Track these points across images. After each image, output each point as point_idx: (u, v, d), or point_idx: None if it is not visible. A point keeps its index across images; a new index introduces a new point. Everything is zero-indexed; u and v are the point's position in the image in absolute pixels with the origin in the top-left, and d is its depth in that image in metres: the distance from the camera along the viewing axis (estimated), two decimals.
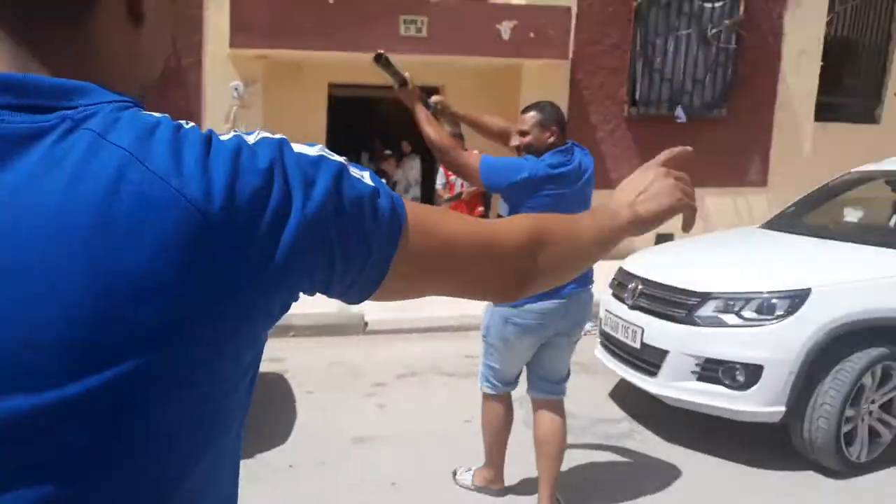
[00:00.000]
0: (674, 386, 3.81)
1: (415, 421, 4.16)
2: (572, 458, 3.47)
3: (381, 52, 3.01)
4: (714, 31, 8.70)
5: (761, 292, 3.68)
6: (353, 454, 3.73)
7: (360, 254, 0.70)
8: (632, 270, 4.40)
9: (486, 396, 3.21)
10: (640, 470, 3.66)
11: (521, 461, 3.32)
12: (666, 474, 3.57)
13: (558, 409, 3.12)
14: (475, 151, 3.42)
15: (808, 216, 5.04)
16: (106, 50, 0.68)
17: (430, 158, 6.94)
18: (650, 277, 4.17)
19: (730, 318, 3.69)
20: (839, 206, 5.09)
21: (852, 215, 4.97)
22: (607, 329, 4.39)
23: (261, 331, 0.68)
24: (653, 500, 3.34)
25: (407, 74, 3.02)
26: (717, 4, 8.71)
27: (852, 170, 5.16)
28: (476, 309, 3.15)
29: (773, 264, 4.08)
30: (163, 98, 7.38)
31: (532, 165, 2.95)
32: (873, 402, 3.62)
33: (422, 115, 3.03)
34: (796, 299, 3.58)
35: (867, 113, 10.12)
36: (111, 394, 0.58)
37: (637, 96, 8.70)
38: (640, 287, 4.17)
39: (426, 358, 5.24)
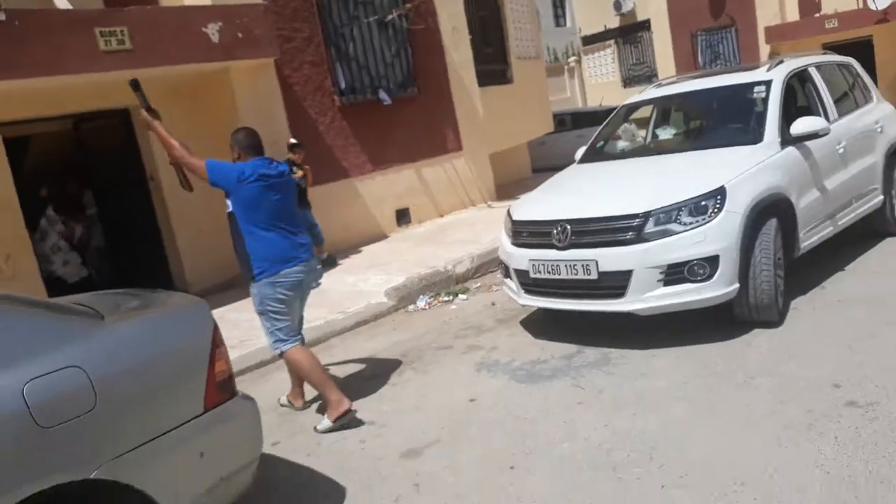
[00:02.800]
0: (644, 298, 4.23)
1: None
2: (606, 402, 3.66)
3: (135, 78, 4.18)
4: (389, 17, 9.22)
5: (689, 199, 4.28)
6: None
7: None
8: (544, 217, 4.67)
9: (290, 352, 4.07)
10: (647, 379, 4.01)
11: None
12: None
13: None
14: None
15: (611, 145, 5.91)
16: None
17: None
18: (577, 216, 4.48)
19: (675, 227, 4.23)
20: (628, 133, 6.06)
21: (663, 133, 6.01)
22: (540, 275, 4.59)
23: None
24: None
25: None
26: None
27: (624, 103, 6.20)
28: None
29: (664, 179, 4.72)
30: None
31: (244, 167, 4.00)
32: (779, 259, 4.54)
33: (162, 130, 4.14)
34: (718, 196, 4.28)
35: (501, 74, 11.84)
36: None
37: (343, 86, 8.79)
38: (569, 228, 4.46)
39: None
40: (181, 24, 6.87)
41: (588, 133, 13.61)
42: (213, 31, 7.06)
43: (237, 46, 7.23)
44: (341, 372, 4.96)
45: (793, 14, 17.65)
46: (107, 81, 6.72)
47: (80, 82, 6.48)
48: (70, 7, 6.55)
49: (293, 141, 7.86)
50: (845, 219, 5.41)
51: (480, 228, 8.47)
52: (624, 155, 5.84)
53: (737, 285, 4.24)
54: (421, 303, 6.35)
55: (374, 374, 4.81)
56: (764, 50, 17.78)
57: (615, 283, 4.29)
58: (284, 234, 4.05)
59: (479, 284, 6.72)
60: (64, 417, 2.35)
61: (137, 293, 3.31)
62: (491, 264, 6.99)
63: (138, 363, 2.62)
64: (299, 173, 7.47)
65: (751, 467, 2.94)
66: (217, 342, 2.85)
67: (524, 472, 3.23)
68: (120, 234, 8.36)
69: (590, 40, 24.98)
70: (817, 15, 16.82)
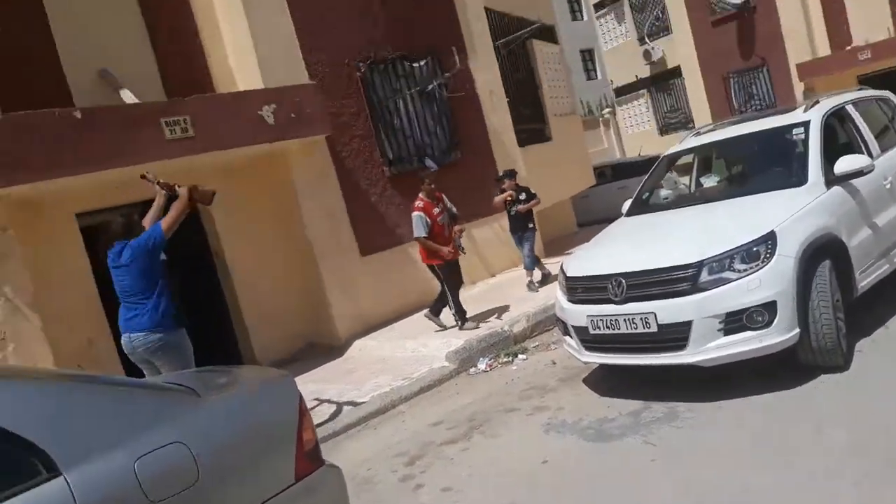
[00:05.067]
0: (706, 348, 4.28)
1: None
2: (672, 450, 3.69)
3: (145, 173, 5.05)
4: (429, 87, 9.60)
5: (740, 246, 4.37)
6: None
7: None
8: (599, 272, 4.78)
9: None
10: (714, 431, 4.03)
11: None
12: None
13: None
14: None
15: (656, 196, 6.04)
16: None
17: None
18: (631, 270, 4.59)
19: (729, 275, 4.30)
20: (671, 183, 6.19)
21: (707, 180, 6.13)
22: (600, 331, 4.68)
23: None
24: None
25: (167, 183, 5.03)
26: (422, 64, 9.63)
27: (665, 154, 6.36)
28: None
29: (713, 227, 4.81)
30: None
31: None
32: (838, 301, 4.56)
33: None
34: (769, 241, 4.35)
35: (540, 133, 12.12)
36: None
37: (390, 156, 9.13)
38: (624, 282, 4.57)
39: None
40: (238, 108, 7.31)
41: (630, 184, 13.83)
42: (267, 113, 7.49)
43: (291, 126, 7.63)
44: (413, 439, 5.06)
45: (823, 47, 17.56)
46: (172, 168, 7.14)
47: (149, 170, 6.89)
48: (136, 101, 7.02)
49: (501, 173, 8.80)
50: None
51: (520, 289, 8.58)
52: (670, 205, 5.94)
53: (797, 330, 4.27)
54: (482, 365, 6.45)
55: (445, 439, 4.90)
56: (798, 87, 17.74)
57: (676, 335, 4.35)
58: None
59: (536, 343, 6.80)
60: (171, 491, 2.50)
61: (223, 369, 3.51)
62: (546, 322, 7.09)
63: (235, 437, 2.78)
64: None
65: None
66: (303, 412, 3.01)
67: None
68: (189, 310, 8.68)
69: (622, 91, 25.32)
70: (849, 47, 16.74)
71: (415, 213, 7.30)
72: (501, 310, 7.69)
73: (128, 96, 7.16)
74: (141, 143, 6.54)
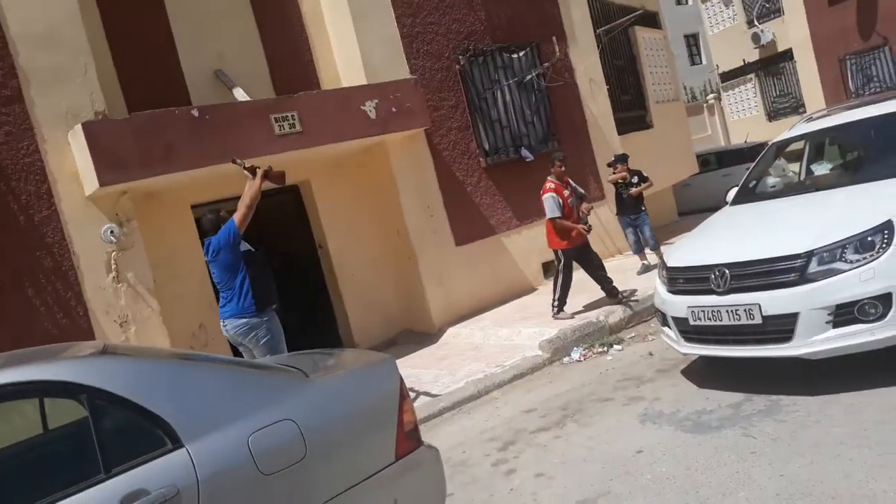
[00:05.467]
0: (813, 341, 4.13)
1: None
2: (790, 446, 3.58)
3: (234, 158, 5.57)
4: (528, 77, 9.59)
5: (854, 235, 4.18)
6: None
7: None
8: (701, 262, 4.69)
9: None
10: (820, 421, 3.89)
11: None
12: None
13: None
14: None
15: (764, 184, 5.84)
16: None
17: None
18: (735, 260, 4.48)
19: (841, 266, 4.13)
20: (780, 170, 5.96)
21: (818, 168, 5.90)
22: (701, 322, 4.59)
23: None
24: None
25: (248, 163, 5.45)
26: (521, 54, 9.63)
27: (769, 142, 6.12)
28: None
29: (824, 217, 4.63)
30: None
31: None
32: None
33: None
34: (886, 231, 4.14)
35: (641, 120, 11.87)
36: None
37: (487, 147, 9.20)
38: (727, 272, 4.46)
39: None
40: (342, 104, 7.56)
41: (735, 171, 13.33)
42: (370, 108, 7.71)
43: (392, 120, 7.83)
44: (506, 425, 5.14)
45: None
46: (280, 162, 7.47)
47: (257, 164, 7.24)
48: (248, 98, 7.39)
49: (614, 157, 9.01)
50: None
51: (629, 276, 8.47)
52: (778, 194, 5.73)
53: None
54: (575, 354, 6.45)
55: (538, 426, 4.95)
56: None
57: (781, 327, 4.22)
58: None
59: (633, 334, 6.72)
60: (281, 466, 2.66)
61: (329, 352, 3.70)
62: (644, 313, 6.99)
63: (340, 416, 2.93)
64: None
65: None
66: (404, 394, 3.14)
67: None
68: (293, 296, 9.10)
69: (728, 76, 24.32)
70: None
71: (547, 195, 7.36)
72: (600, 300, 7.62)
73: (240, 94, 7.54)
74: (252, 138, 6.88)
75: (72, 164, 6.38)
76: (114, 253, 6.48)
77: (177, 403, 2.60)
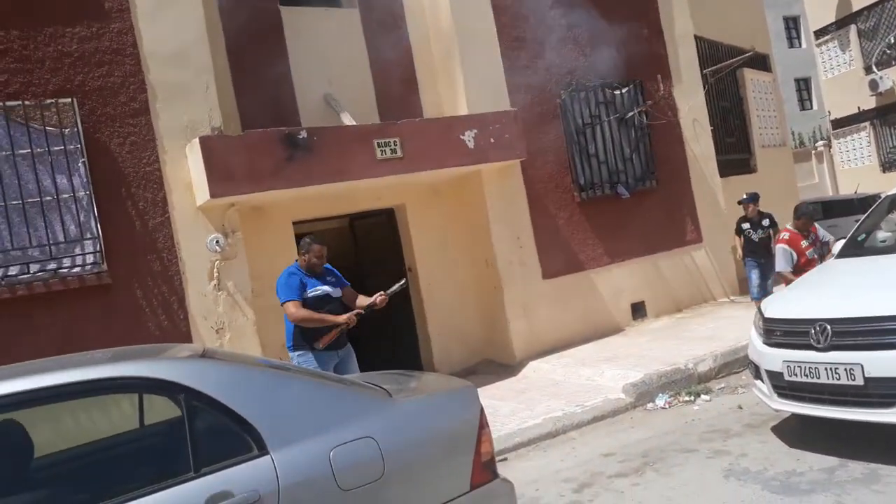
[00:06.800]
0: None
1: None
2: None
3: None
4: (630, 115, 9.51)
5: None
6: None
7: None
8: (801, 316, 4.50)
9: None
10: None
11: None
12: None
13: None
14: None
15: (874, 238, 5.56)
16: None
17: None
18: (839, 316, 4.28)
19: None
20: (891, 224, 5.67)
21: None
22: (796, 378, 4.40)
23: None
24: None
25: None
26: (623, 91, 9.57)
27: (882, 194, 5.84)
28: None
29: None
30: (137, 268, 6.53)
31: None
32: None
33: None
34: None
35: (744, 164, 11.55)
36: None
37: (582, 182, 9.16)
38: (829, 328, 4.26)
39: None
40: (443, 132, 7.72)
41: (841, 223, 12.68)
42: (469, 137, 7.84)
43: (489, 150, 7.93)
44: (583, 466, 5.05)
45: None
46: (378, 185, 7.72)
47: (359, 186, 7.50)
48: (354, 123, 7.65)
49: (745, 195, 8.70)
50: None
51: (723, 325, 8.20)
52: (889, 249, 5.43)
53: None
54: (660, 401, 6.27)
55: (616, 471, 4.84)
56: None
57: (885, 391, 3.99)
58: None
59: (722, 385, 6.49)
60: (359, 483, 2.68)
61: (412, 374, 3.75)
62: (735, 364, 6.74)
63: (419, 438, 2.95)
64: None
65: None
66: (483, 424, 3.14)
67: None
68: (379, 317, 9.26)
69: (841, 123, 23.26)
70: None
71: (779, 246, 7.14)
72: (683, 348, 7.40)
73: (347, 118, 7.83)
74: (355, 160, 7.11)
75: (186, 175, 6.77)
76: (217, 262, 6.81)
77: (266, 411, 2.66)
